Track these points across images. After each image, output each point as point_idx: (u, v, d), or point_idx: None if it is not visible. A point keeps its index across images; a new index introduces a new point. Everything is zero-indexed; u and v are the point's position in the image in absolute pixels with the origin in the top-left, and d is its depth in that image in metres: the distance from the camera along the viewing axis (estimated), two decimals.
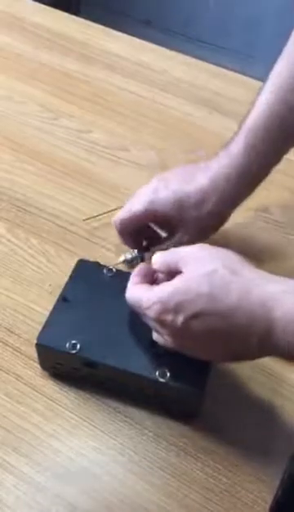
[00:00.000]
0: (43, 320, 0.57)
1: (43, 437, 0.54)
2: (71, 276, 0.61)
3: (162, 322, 0.50)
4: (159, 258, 0.53)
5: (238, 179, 0.62)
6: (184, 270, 0.50)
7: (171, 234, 0.65)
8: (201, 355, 0.51)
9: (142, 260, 0.67)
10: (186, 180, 0.63)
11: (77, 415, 0.56)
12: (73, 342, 0.55)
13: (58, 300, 0.58)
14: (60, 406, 0.57)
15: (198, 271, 0.49)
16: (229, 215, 0.65)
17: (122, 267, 0.66)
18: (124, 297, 0.54)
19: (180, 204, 0.62)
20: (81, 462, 0.53)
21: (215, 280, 0.48)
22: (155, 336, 0.53)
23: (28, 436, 0.54)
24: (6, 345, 0.61)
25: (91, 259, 0.62)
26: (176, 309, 0.48)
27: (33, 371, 0.59)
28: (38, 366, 0.59)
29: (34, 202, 0.74)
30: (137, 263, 0.66)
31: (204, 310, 0.47)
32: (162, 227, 0.64)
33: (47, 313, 0.57)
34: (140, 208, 0.63)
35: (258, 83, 0.64)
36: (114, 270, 0.61)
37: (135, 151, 0.84)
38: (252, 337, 0.46)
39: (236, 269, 0.48)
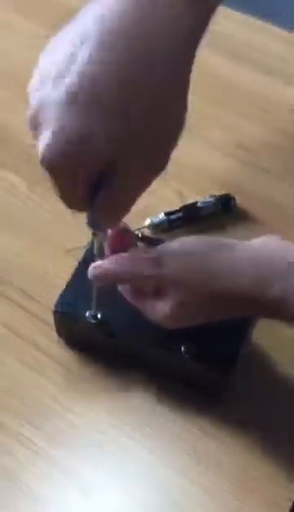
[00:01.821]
0: (62, 284, 0.54)
1: (59, 410, 0.52)
2: (92, 242, 0.57)
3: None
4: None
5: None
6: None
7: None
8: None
9: (169, 225, 0.62)
10: None
11: (95, 388, 0.53)
12: (94, 311, 0.51)
13: (79, 264, 0.55)
14: (78, 377, 0.54)
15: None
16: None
17: (148, 232, 0.62)
18: None
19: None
20: (98, 438, 0.50)
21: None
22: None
23: (44, 408, 0.52)
24: (24, 310, 0.57)
25: None
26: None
27: (50, 340, 0.56)
28: (56, 334, 0.56)
29: None
30: (165, 228, 0.62)
31: None
32: None
33: (68, 277, 0.54)
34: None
35: None
36: (140, 235, 0.57)
37: None
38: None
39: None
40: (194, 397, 0.52)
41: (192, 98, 0.38)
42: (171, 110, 0.36)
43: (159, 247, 0.46)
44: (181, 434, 0.51)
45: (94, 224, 0.43)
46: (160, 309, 0.45)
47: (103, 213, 0.40)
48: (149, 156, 0.37)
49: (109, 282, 0.47)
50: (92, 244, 0.48)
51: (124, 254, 0.46)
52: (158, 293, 0.45)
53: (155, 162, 0.38)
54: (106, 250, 0.47)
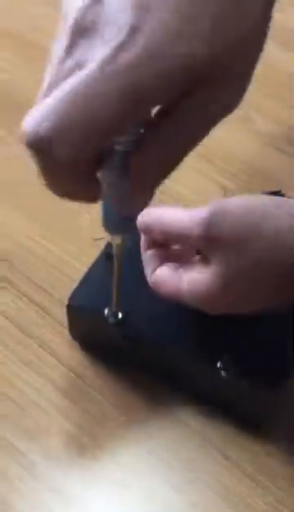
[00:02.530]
0: (81, 278, 0.46)
1: (63, 423, 0.43)
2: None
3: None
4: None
5: None
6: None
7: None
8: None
9: None
10: None
11: (108, 400, 0.44)
12: (114, 309, 0.43)
13: (100, 256, 0.47)
14: (88, 385, 0.45)
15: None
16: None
17: None
18: None
19: None
20: (107, 464, 0.42)
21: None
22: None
23: (45, 419, 0.43)
24: (34, 303, 0.49)
25: None
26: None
27: (60, 339, 0.47)
28: (68, 334, 0.47)
29: None
30: None
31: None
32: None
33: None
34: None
35: None
36: None
37: None
38: None
39: None
40: (234, 426, 0.43)
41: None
42: (249, 45, 0.28)
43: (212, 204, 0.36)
44: (215, 472, 0.41)
45: (116, 221, 0.35)
46: (202, 282, 0.36)
47: (142, 177, 0.30)
48: (223, 86, 0.28)
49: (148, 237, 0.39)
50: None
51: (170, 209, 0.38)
52: (203, 260, 0.36)
53: (230, 95, 0.29)
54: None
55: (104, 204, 0.34)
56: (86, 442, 0.43)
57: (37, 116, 0.26)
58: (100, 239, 0.52)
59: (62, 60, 0.27)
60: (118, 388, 0.45)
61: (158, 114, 0.29)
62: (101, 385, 0.45)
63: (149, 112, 0.29)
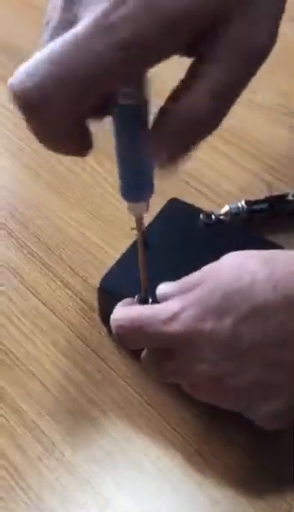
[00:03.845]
0: None
1: (86, 406, 0.43)
2: (157, 217, 0.48)
3: (194, 337, 0.35)
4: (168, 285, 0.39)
5: None
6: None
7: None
8: (259, 391, 0.36)
9: (250, 215, 0.53)
10: None
11: (133, 387, 0.44)
12: (145, 295, 0.43)
13: (135, 242, 0.46)
14: (114, 371, 0.45)
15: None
16: None
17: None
18: (218, 252, 0.41)
19: None
20: (127, 448, 0.41)
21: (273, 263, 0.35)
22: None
23: (70, 401, 0.43)
24: (66, 287, 0.50)
25: None
26: (221, 309, 0.35)
27: (89, 324, 0.47)
28: (98, 319, 0.47)
29: None
30: (245, 218, 0.53)
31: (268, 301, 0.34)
32: None
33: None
34: None
35: None
36: (213, 217, 0.48)
37: None
38: None
39: None
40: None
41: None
42: None
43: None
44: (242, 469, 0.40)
45: (131, 185, 0.33)
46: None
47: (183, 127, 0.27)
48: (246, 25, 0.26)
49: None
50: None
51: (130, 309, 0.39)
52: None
53: (258, 34, 0.26)
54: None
55: (118, 167, 0.33)
56: (108, 426, 0.42)
57: (22, 73, 0.25)
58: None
59: (58, 17, 0.26)
60: (141, 374, 0.44)
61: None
62: (126, 371, 0.45)
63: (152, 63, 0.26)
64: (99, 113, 0.28)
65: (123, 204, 0.35)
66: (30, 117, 0.26)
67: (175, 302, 0.37)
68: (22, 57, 0.26)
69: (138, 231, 0.38)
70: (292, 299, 0.34)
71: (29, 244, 0.52)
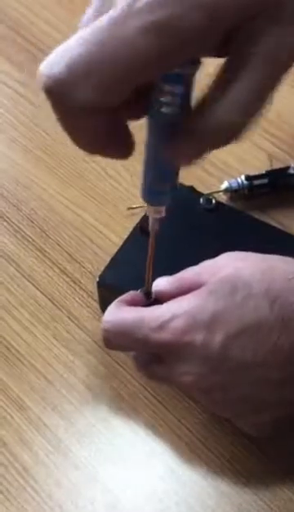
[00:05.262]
0: (114, 250, 0.44)
1: (90, 398, 0.43)
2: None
3: (182, 348, 0.35)
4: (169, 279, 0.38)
5: None
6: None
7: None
8: (247, 405, 0.36)
9: (250, 192, 0.51)
10: None
11: (137, 380, 0.44)
12: (147, 289, 0.41)
13: (134, 230, 0.45)
14: (118, 363, 0.44)
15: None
16: None
17: (223, 199, 0.51)
18: (221, 237, 0.40)
19: None
20: (133, 442, 0.42)
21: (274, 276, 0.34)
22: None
23: (73, 394, 0.43)
24: (64, 273, 0.48)
25: (186, 184, 0.47)
26: (213, 323, 0.34)
27: (90, 313, 0.47)
28: (98, 307, 0.46)
29: None
30: (245, 195, 0.51)
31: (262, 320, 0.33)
32: None
33: (121, 243, 0.44)
34: None
35: None
36: (214, 202, 0.46)
37: None
38: None
39: None
40: None
41: None
42: None
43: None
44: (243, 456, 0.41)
45: (156, 188, 0.31)
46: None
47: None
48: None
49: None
50: None
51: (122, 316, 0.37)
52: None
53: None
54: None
55: (144, 166, 0.30)
56: (113, 419, 0.42)
57: (53, 58, 0.23)
58: (136, 207, 0.50)
59: (97, 1, 0.25)
60: None
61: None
62: (130, 363, 0.44)
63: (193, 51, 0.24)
64: (137, 112, 0.27)
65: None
66: (56, 103, 0.24)
67: (166, 309, 0.36)
68: None
69: (151, 231, 0.36)
70: (287, 321, 0.33)
71: (23, 228, 0.51)
